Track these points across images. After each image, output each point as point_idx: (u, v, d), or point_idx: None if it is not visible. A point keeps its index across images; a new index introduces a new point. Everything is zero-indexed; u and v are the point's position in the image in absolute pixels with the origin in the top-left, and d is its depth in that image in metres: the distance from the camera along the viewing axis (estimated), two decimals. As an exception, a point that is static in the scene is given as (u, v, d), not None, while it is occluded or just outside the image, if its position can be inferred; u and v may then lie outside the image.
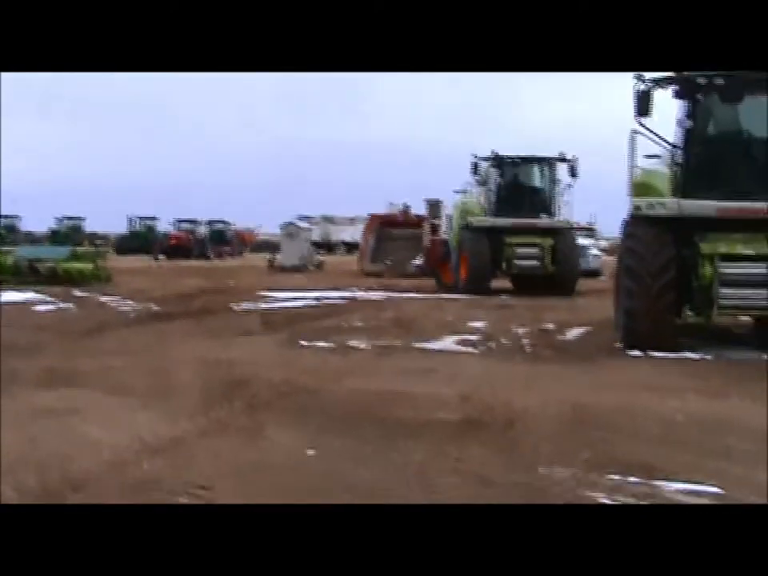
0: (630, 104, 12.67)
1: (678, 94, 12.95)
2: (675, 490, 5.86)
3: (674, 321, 12.65)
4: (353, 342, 13.20)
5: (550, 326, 15.68)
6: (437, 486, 5.95)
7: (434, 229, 34.72)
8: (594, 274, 31.17)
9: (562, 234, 25.07)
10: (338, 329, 15.04)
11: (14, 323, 14.76)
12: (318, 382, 9.78)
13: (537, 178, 26.29)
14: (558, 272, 24.55)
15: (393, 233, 35.84)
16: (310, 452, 6.76)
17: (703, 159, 13.02)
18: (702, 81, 12.58)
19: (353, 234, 60.13)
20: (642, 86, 12.58)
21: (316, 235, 55.32)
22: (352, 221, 65.80)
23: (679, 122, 13.07)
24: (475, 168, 25.12)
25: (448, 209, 35.06)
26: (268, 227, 69.09)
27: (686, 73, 12.24)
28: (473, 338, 13.95)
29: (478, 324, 16.06)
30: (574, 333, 14.96)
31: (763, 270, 12.16)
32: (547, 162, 25.85)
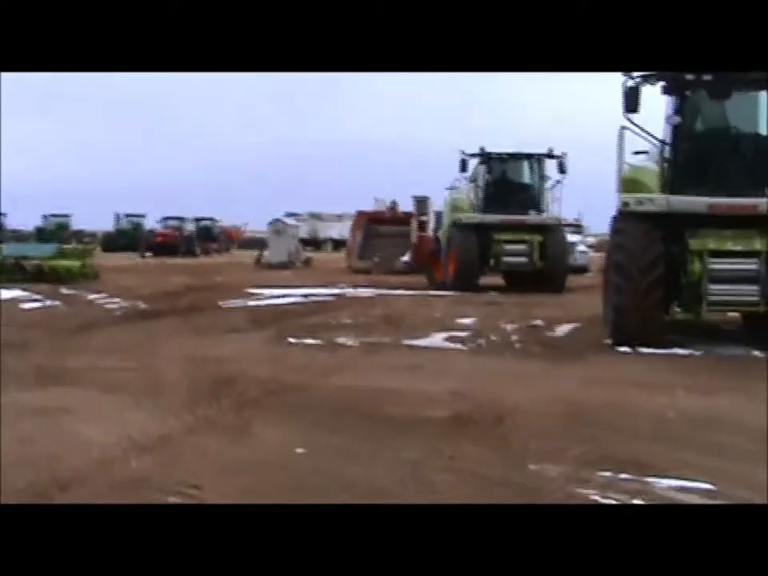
0: (614, 100, 12.70)
1: (667, 90, 12.95)
2: (667, 486, 5.84)
3: (663, 317, 12.66)
4: (341, 339, 13.17)
5: (539, 322, 15.67)
6: (429, 483, 5.92)
7: (422, 225, 34.72)
8: (581, 270, 31.19)
9: (551, 231, 24.97)
10: (326, 326, 15.00)
11: (1, 321, 14.66)
12: (306, 379, 9.75)
13: (525, 175, 26.22)
14: (547, 269, 24.46)
15: (380, 230, 35.77)
16: (300, 450, 6.72)
17: (691, 155, 13.03)
18: (690, 77, 12.57)
19: (340, 230, 60.11)
20: (631, 83, 12.58)
21: (303, 232, 55.29)
22: (339, 217, 65.78)
23: (668, 119, 13.06)
24: (463, 165, 25.02)
25: (436, 205, 35.12)
26: (255, 224, 69.07)
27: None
28: (462, 334, 13.93)
29: (467, 321, 16.04)
30: (562, 329, 14.95)
31: (752, 266, 12.17)
32: (535, 158, 25.77)
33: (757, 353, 12.11)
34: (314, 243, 63.29)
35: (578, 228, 37.46)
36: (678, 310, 12.79)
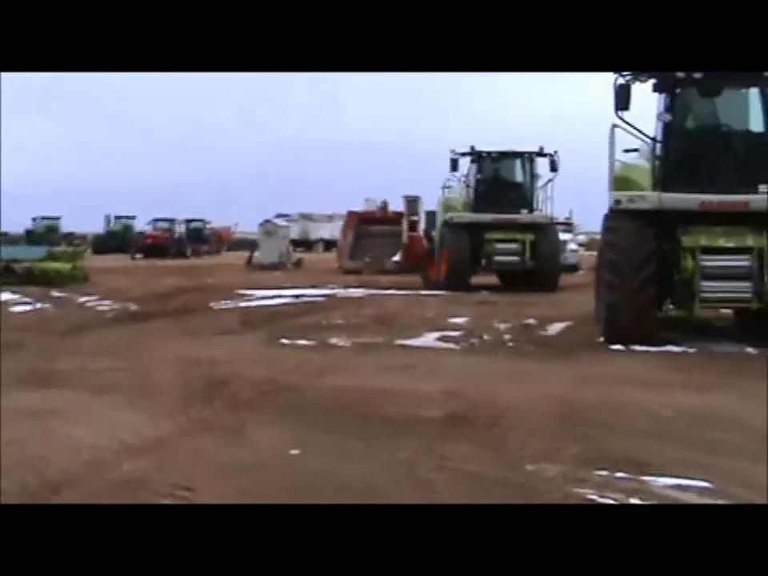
0: (602, 98, 12.71)
1: (657, 88, 12.95)
2: (664, 485, 5.81)
3: (656, 314, 12.65)
4: (333, 340, 13.14)
5: (532, 321, 15.64)
6: (424, 484, 5.88)
7: (412, 225, 34.73)
8: (572, 269, 31.18)
9: (544, 230, 24.85)
10: (318, 326, 14.97)
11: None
12: (299, 380, 9.71)
13: (516, 173, 26.13)
14: (540, 268, 24.35)
15: (371, 229, 35.76)
16: (294, 451, 6.68)
17: (683, 153, 13.02)
18: (680, 75, 12.57)
19: (331, 231, 60.05)
20: (621, 81, 12.57)
21: (294, 233, 55.19)
22: (330, 218, 65.71)
23: (659, 116, 13.06)
24: (454, 164, 24.95)
25: (427, 205, 35.13)
26: (246, 225, 68.93)
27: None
28: (454, 334, 13.90)
29: (459, 320, 16.02)
30: (555, 328, 14.93)
31: (744, 263, 12.18)
32: (526, 157, 25.69)
33: (750, 349, 12.11)
34: (305, 244, 63.18)
35: (568, 226, 37.47)
36: (670, 307, 12.78)
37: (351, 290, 24.23)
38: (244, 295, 21.83)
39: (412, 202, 35.35)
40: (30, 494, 5.45)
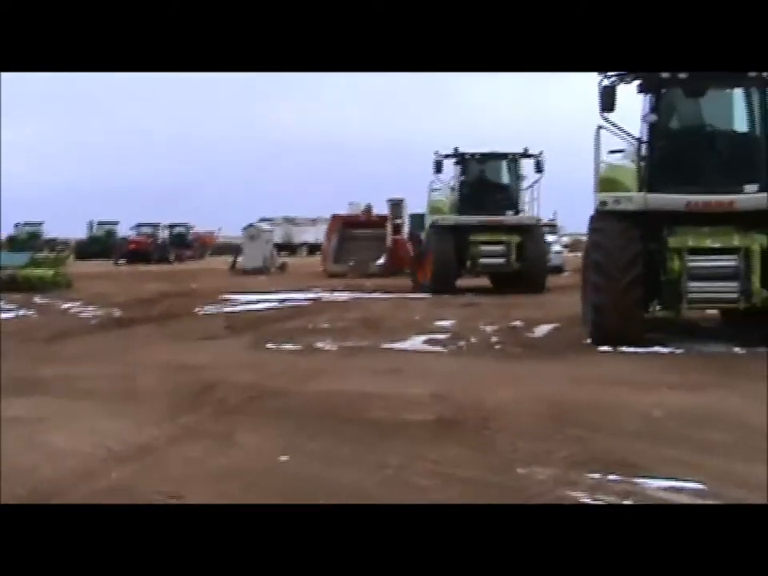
0: (584, 99, 12.68)
1: (643, 89, 12.93)
2: (657, 487, 5.77)
3: (643, 315, 12.63)
4: (319, 344, 13.08)
5: (518, 323, 15.61)
6: (414, 488, 5.83)
7: (396, 228, 34.69)
8: (557, 270, 31.17)
9: (530, 231, 24.73)
10: (303, 331, 14.92)
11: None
12: (286, 384, 9.65)
13: (501, 175, 26.02)
14: (526, 269, 24.27)
15: (355, 233, 35.77)
16: (283, 458, 6.61)
17: (668, 153, 13.01)
18: (665, 75, 12.56)
19: (315, 234, 59.99)
20: (606, 82, 12.54)
21: (278, 237, 55.04)
22: (314, 222, 65.66)
23: (644, 117, 13.04)
24: (438, 166, 24.88)
25: (411, 208, 35.13)
26: (229, 230, 68.73)
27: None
28: (441, 337, 13.85)
29: (446, 323, 15.98)
30: (542, 330, 14.90)
31: (731, 263, 12.17)
32: (510, 158, 25.61)
33: (737, 349, 12.10)
34: (288, 248, 63.12)
35: (553, 228, 37.48)
36: (657, 308, 12.76)
37: (336, 293, 24.16)
38: (228, 300, 21.75)
39: (396, 205, 35.30)
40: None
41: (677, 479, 5.88)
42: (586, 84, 12.65)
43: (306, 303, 21.15)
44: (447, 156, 25.15)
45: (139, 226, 58.74)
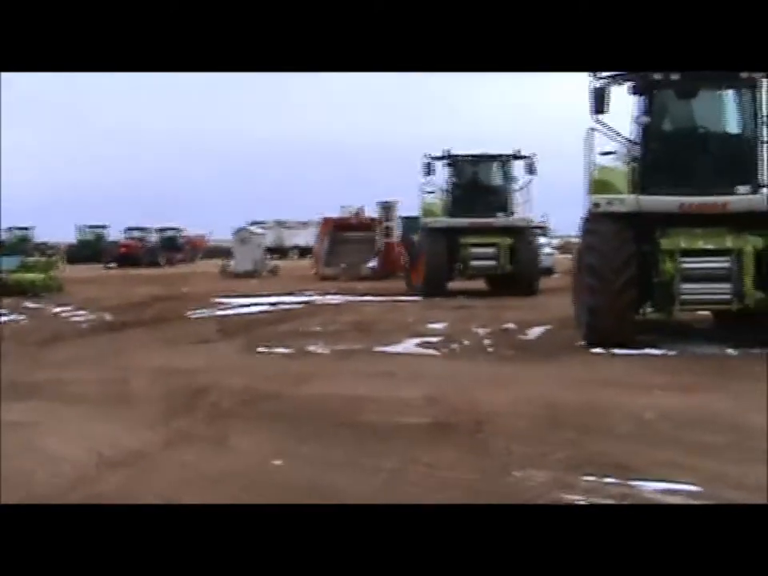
0: (571, 101, 12.68)
1: (635, 91, 12.93)
2: (653, 489, 5.75)
3: (636, 317, 12.61)
4: (312, 348, 13.05)
5: (511, 325, 15.59)
6: (409, 493, 5.80)
7: (388, 231, 34.68)
8: (547, 272, 31.16)
9: (521, 233, 24.65)
10: (295, 334, 14.89)
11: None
12: (279, 388, 9.62)
13: (492, 176, 25.90)
14: (518, 271, 24.19)
15: (346, 236, 35.72)
16: (277, 462, 6.58)
17: (661, 155, 13.01)
18: (657, 77, 12.55)
19: (306, 238, 59.94)
20: (598, 84, 12.53)
21: (269, 240, 54.97)
22: (305, 225, 65.61)
23: (636, 119, 13.03)
24: (428, 168, 24.81)
25: (402, 210, 35.11)
26: (220, 233, 68.61)
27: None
28: (434, 339, 13.83)
29: (438, 326, 15.96)
30: (535, 332, 14.88)
31: (724, 264, 12.16)
32: (501, 160, 25.52)
33: (730, 351, 12.10)
34: (279, 251, 63.03)
35: (543, 230, 37.48)
36: (650, 309, 12.74)
37: (328, 296, 24.13)
38: (220, 303, 21.70)
39: (387, 208, 35.29)
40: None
41: (672, 481, 5.86)
42: (576, 86, 12.63)
43: (297, 306, 21.11)
44: (437, 158, 25.07)
45: (129, 229, 58.67)
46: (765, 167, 12.78)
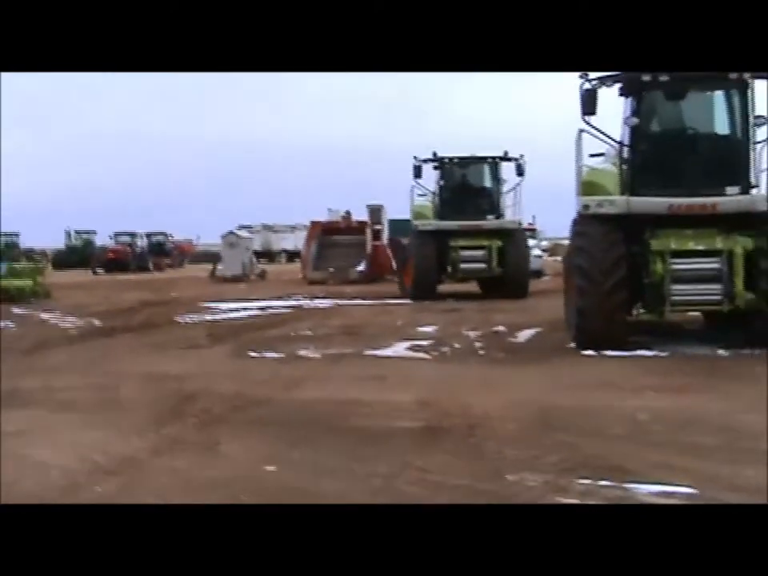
0: (560, 103, 12.68)
1: (624, 92, 12.92)
2: (648, 492, 5.72)
3: (626, 319, 12.60)
4: (302, 352, 13.01)
5: (501, 328, 15.55)
6: (402, 497, 5.76)
7: (376, 234, 34.66)
8: (536, 274, 31.17)
9: (511, 236, 24.56)
10: (285, 338, 14.85)
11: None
12: (270, 393, 9.58)
13: (481, 179, 25.81)
14: (509, 274, 24.12)
15: (335, 239, 35.64)
16: (270, 468, 6.53)
17: (650, 156, 13.01)
18: (646, 78, 12.54)
19: (294, 241, 59.90)
20: (587, 85, 12.51)
21: (257, 244, 54.93)
22: (293, 228, 65.58)
23: (626, 120, 13.02)
24: (417, 171, 24.74)
25: (390, 213, 35.10)
26: (208, 237, 68.56)
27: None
28: (424, 343, 13.80)
29: (429, 329, 15.93)
30: (525, 334, 14.87)
31: (714, 265, 12.17)
32: (490, 162, 25.45)
33: (721, 351, 12.10)
34: (267, 255, 62.97)
35: (532, 232, 37.52)
36: (641, 311, 12.73)
37: (317, 300, 24.09)
38: (209, 308, 21.64)
39: (375, 211, 35.31)
40: None
41: (666, 484, 5.84)
42: (565, 88, 12.63)
43: (287, 311, 21.07)
44: (426, 160, 25.01)
45: (117, 234, 58.54)
46: (754, 168, 12.80)
